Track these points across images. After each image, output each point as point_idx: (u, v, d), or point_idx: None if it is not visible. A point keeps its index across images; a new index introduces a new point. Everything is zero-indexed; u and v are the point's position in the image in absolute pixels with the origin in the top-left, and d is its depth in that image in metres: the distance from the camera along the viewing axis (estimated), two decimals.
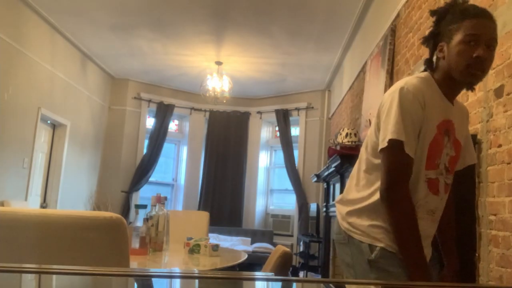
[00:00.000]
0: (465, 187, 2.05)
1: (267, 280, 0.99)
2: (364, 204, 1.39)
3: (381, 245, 1.34)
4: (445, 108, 1.40)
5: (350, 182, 1.49)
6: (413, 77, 1.41)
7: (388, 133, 1.30)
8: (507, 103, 1.89)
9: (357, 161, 1.50)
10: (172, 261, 2.36)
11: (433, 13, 1.44)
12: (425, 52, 2.85)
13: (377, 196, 1.35)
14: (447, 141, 1.39)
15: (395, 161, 1.32)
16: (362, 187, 1.42)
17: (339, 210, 1.49)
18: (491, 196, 1.96)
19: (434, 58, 1.45)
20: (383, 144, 1.32)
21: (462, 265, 2.02)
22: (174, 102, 7.88)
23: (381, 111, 1.37)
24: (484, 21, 1.34)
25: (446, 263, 1.51)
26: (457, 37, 1.33)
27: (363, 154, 1.46)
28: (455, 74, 1.35)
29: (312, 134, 7.45)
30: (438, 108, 1.37)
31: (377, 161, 1.38)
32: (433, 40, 1.42)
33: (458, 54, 1.32)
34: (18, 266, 0.87)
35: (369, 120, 3.85)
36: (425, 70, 1.47)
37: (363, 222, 1.38)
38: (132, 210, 5.01)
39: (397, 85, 1.37)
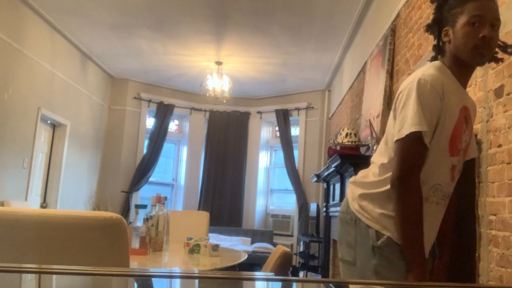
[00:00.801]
0: (465, 187, 2.05)
1: (267, 280, 0.99)
2: (379, 190, 1.39)
3: (389, 234, 1.35)
4: (462, 94, 1.42)
5: (368, 170, 1.49)
6: (428, 67, 1.41)
7: (406, 125, 1.31)
8: (507, 103, 1.89)
9: (376, 154, 1.49)
10: (172, 261, 2.36)
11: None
12: (425, 52, 2.85)
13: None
14: (466, 127, 1.41)
15: (412, 152, 1.32)
16: (379, 175, 1.42)
17: (351, 190, 1.49)
18: (491, 196, 1.96)
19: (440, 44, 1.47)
20: (399, 135, 1.32)
21: (462, 265, 2.02)
22: (174, 102, 7.88)
23: (398, 102, 1.38)
24: (486, 2, 1.37)
25: (438, 254, 1.51)
26: (462, 20, 1.36)
27: (383, 148, 1.45)
28: (463, 55, 1.37)
29: (312, 134, 7.45)
30: (457, 94, 1.39)
31: None
32: (437, 27, 1.44)
33: (464, 36, 1.35)
34: (18, 266, 0.87)
35: (369, 120, 3.85)
36: (434, 58, 1.47)
37: (375, 209, 1.38)
38: (132, 210, 5.01)
39: (414, 76, 1.37)
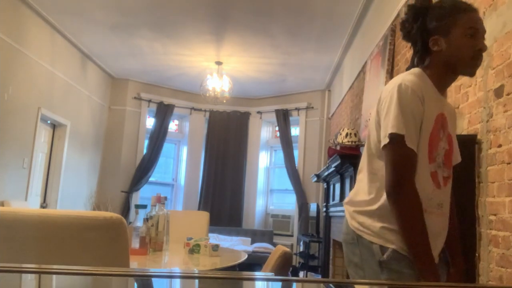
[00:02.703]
0: (465, 187, 2.05)
1: (267, 280, 0.99)
2: (374, 206, 1.37)
3: (393, 246, 1.32)
4: (439, 101, 1.43)
5: (358, 185, 1.48)
6: (408, 73, 1.42)
7: (388, 128, 1.31)
8: (507, 103, 1.89)
9: (361, 163, 1.49)
10: (172, 261, 2.36)
11: (412, 7, 1.44)
12: None
13: (385, 196, 1.34)
14: (443, 134, 1.41)
15: (399, 156, 1.32)
16: (369, 189, 1.41)
17: (348, 210, 1.48)
18: (491, 196, 1.96)
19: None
20: (384, 140, 1.32)
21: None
22: (174, 102, 7.88)
23: (380, 108, 1.38)
24: (477, 14, 1.42)
25: (451, 262, 1.50)
26: (457, 31, 1.38)
27: (366, 155, 1.45)
28: (459, 65, 1.40)
29: (312, 134, 7.45)
30: (434, 102, 1.39)
31: (382, 161, 1.37)
32: (420, 35, 1.43)
33: (462, 47, 1.38)
34: (18, 266, 0.87)
35: (369, 120, 3.85)
36: (412, 66, 1.47)
37: (375, 224, 1.36)
38: (132, 210, 5.01)
39: (394, 81, 1.38)
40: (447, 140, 1.43)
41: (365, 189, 1.42)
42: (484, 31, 1.41)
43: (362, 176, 1.46)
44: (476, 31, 1.38)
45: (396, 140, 1.30)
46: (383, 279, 1.32)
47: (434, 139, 1.38)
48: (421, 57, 1.45)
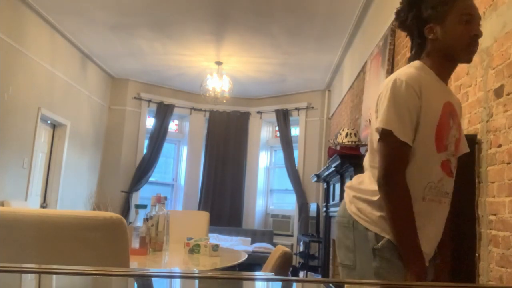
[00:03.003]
0: (465, 187, 2.05)
1: (267, 280, 0.99)
2: (375, 198, 1.39)
3: (389, 236, 1.34)
4: (444, 91, 1.44)
5: (364, 175, 1.50)
6: (407, 67, 1.44)
7: (380, 123, 1.34)
8: (507, 103, 1.89)
9: (366, 158, 1.50)
10: (172, 261, 2.36)
11: None
12: None
13: None
14: (453, 123, 1.41)
15: (389, 149, 1.34)
16: (371, 181, 1.42)
17: (348, 194, 1.49)
18: (491, 196, 1.96)
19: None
20: (378, 134, 1.35)
21: (462, 265, 2.02)
22: (174, 102, 7.88)
23: (379, 104, 1.40)
24: (472, 1, 1.43)
25: (438, 254, 1.51)
26: (452, 18, 1.38)
27: (369, 150, 1.47)
28: (455, 52, 1.41)
29: (312, 134, 7.45)
30: (438, 92, 1.40)
31: None
32: (416, 24, 1.44)
33: (458, 34, 1.38)
34: (18, 266, 0.87)
35: (369, 120, 3.85)
36: (414, 57, 1.48)
37: (374, 212, 1.38)
38: (132, 210, 5.01)
39: (390, 77, 1.40)
40: (458, 128, 1.44)
41: (368, 180, 1.44)
42: (479, 18, 1.41)
43: (367, 165, 1.48)
44: (471, 17, 1.38)
45: (387, 134, 1.32)
46: (374, 266, 1.34)
47: (444, 128, 1.38)
48: (418, 46, 1.47)
